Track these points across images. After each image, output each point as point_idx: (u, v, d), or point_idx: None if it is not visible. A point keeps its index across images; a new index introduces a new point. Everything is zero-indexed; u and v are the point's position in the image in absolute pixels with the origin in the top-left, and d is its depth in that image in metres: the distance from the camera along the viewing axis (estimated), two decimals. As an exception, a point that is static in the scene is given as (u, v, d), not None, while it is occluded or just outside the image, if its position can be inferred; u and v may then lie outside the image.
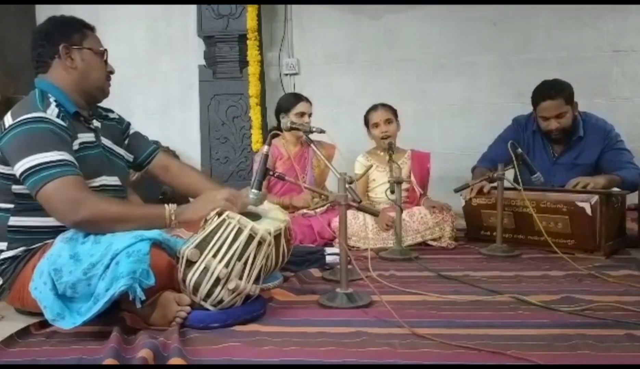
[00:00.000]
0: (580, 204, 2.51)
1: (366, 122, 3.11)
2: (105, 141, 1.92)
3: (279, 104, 3.18)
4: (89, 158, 1.78)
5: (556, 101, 2.83)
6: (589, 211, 2.49)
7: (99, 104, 1.99)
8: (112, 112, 2.06)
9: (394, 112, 3.07)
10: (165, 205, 1.76)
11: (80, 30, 1.87)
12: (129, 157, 2.05)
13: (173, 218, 1.74)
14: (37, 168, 1.63)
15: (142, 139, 2.11)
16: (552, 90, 2.85)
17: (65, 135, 1.72)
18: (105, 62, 1.92)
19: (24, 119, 1.68)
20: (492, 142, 3.15)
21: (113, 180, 1.89)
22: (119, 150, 1.99)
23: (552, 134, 2.91)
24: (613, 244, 2.59)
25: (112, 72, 1.94)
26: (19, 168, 1.65)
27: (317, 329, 1.61)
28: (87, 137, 1.83)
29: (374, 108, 3.09)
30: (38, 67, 1.85)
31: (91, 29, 1.92)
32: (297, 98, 3.14)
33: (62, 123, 1.73)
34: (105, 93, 1.94)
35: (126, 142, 2.05)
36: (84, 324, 1.55)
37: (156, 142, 3.96)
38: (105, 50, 1.92)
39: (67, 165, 1.67)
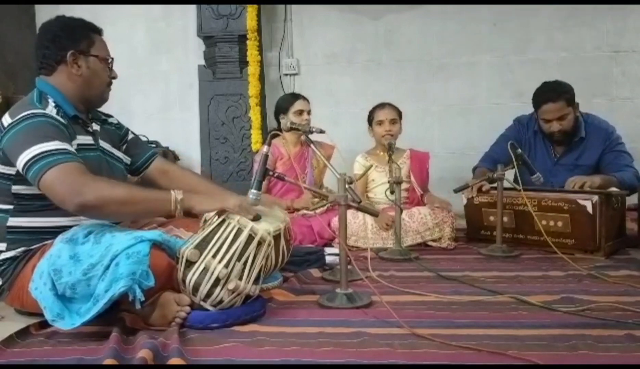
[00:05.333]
0: (582, 202, 2.52)
1: (370, 119, 3.10)
2: (104, 144, 1.92)
3: (277, 105, 3.19)
4: (87, 160, 1.76)
5: (558, 103, 2.82)
6: (590, 209, 2.49)
7: (98, 109, 1.98)
8: (112, 117, 2.05)
9: (399, 113, 3.08)
10: (171, 190, 1.73)
11: (88, 35, 1.85)
12: (127, 160, 2.04)
13: (179, 204, 1.70)
14: (39, 156, 1.62)
15: (140, 145, 2.12)
16: (554, 93, 2.84)
17: (65, 130, 1.73)
18: (110, 68, 1.91)
19: (24, 116, 1.68)
20: (494, 141, 3.15)
21: (112, 183, 1.88)
22: (118, 153, 1.99)
23: (554, 136, 2.91)
24: (613, 244, 2.59)
25: (115, 78, 1.93)
26: (21, 160, 1.64)
27: (316, 330, 1.61)
28: (85, 139, 1.83)
29: (380, 106, 3.09)
30: (41, 67, 1.84)
31: (99, 32, 1.90)
32: (295, 97, 3.17)
33: (61, 120, 1.73)
34: (104, 100, 1.93)
35: (124, 147, 2.04)
36: (84, 325, 1.55)
37: (156, 143, 4.01)
38: (112, 58, 1.90)
39: (69, 153, 1.66)
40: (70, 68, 1.81)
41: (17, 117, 1.68)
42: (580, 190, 2.65)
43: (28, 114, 1.68)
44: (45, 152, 1.62)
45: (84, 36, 1.84)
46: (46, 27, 1.85)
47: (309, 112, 3.11)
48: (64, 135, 1.71)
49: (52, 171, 1.61)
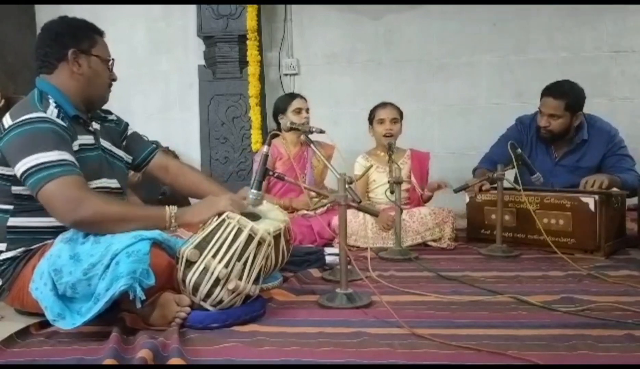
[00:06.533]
0: (585, 200, 2.52)
1: (371, 118, 3.10)
2: (105, 143, 1.92)
3: (276, 106, 3.20)
4: (88, 160, 1.78)
5: (557, 102, 2.81)
6: (592, 207, 2.49)
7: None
8: (111, 113, 2.05)
9: (400, 113, 3.08)
10: (166, 207, 1.76)
11: (90, 36, 1.86)
12: (128, 158, 2.05)
13: (173, 220, 1.74)
14: (38, 167, 1.63)
15: (140, 140, 2.12)
16: (558, 91, 2.83)
17: (66, 135, 1.72)
18: (110, 69, 1.91)
19: (25, 119, 1.68)
20: (495, 142, 3.14)
21: (112, 183, 1.89)
22: (119, 152, 1.99)
23: (539, 130, 2.91)
24: (613, 244, 2.59)
25: (115, 80, 1.94)
26: (20, 168, 1.64)
27: (316, 330, 1.61)
28: (86, 139, 1.83)
29: (382, 105, 3.09)
30: (42, 66, 1.84)
31: (101, 34, 1.90)
32: (291, 96, 3.18)
33: (62, 123, 1.73)
34: (104, 101, 1.94)
35: (124, 143, 2.04)
36: (84, 324, 1.55)
37: (156, 143, 3.99)
38: (113, 59, 1.91)
39: (68, 165, 1.67)
40: (72, 66, 1.81)
41: (18, 120, 1.68)
42: (580, 190, 2.65)
43: (29, 118, 1.68)
44: (45, 163, 1.63)
45: (86, 36, 1.84)
46: (49, 26, 1.86)
47: (307, 110, 3.12)
48: (65, 141, 1.70)
49: (50, 184, 1.62)
